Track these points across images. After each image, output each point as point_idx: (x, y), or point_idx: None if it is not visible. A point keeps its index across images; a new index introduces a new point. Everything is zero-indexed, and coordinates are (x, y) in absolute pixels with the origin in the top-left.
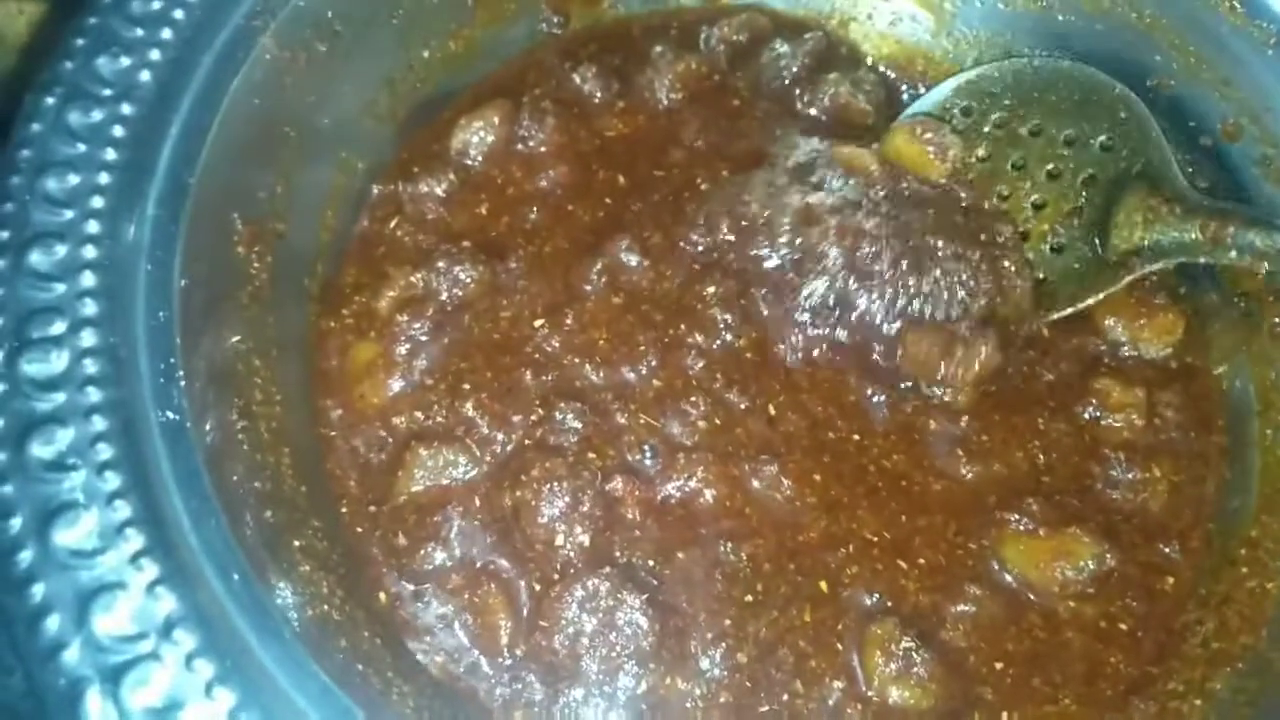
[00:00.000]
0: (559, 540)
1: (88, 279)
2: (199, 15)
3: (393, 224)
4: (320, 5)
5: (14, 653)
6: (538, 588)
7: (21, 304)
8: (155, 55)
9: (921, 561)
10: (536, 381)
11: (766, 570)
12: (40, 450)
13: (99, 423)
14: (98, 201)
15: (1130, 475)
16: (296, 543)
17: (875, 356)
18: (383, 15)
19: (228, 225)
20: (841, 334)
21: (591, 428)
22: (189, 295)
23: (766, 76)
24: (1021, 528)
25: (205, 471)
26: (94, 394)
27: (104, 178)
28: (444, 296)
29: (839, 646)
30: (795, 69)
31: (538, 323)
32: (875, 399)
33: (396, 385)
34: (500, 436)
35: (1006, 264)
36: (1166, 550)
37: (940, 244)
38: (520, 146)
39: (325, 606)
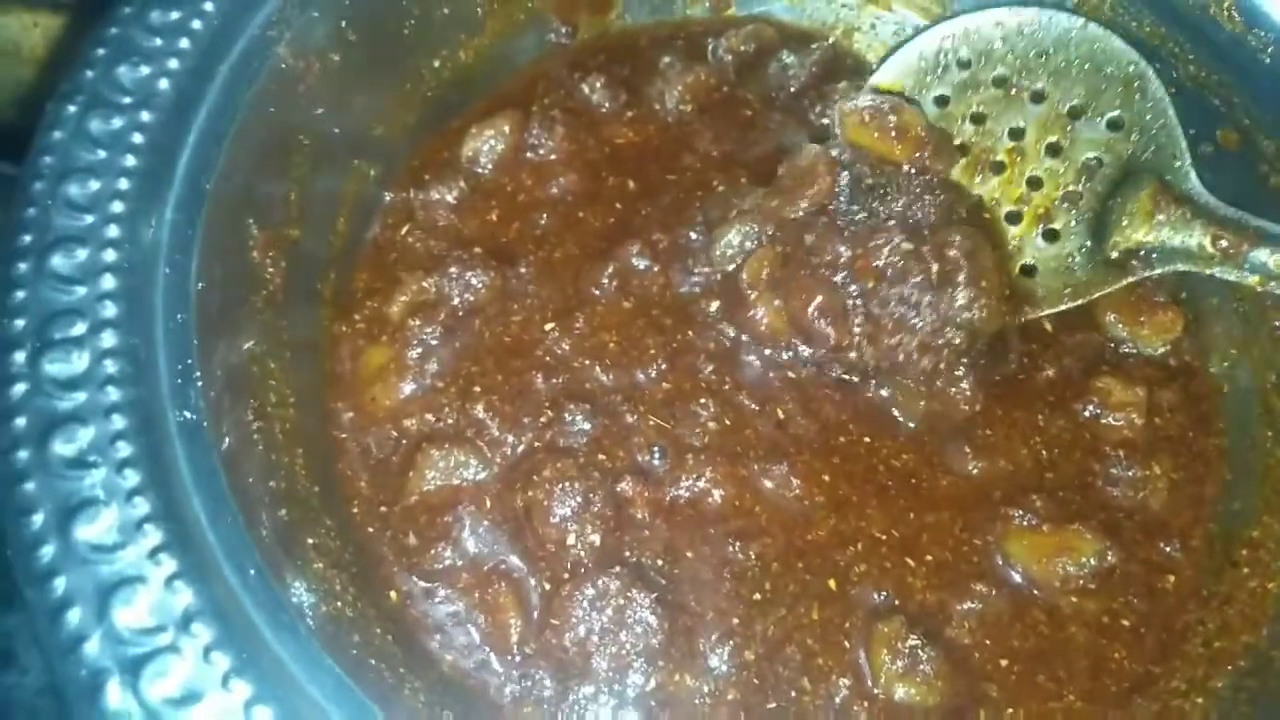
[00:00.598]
0: (570, 540)
1: (108, 282)
2: (216, 25)
3: (404, 230)
4: (334, 16)
5: (31, 651)
6: (548, 586)
7: (44, 306)
8: (174, 64)
9: (929, 558)
10: (547, 384)
11: (775, 569)
12: (62, 448)
13: (119, 421)
14: (118, 206)
15: (1130, 473)
16: (310, 541)
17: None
18: (395, 26)
19: (243, 230)
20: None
21: (601, 429)
22: (206, 298)
23: (774, 86)
24: (1025, 524)
25: (221, 469)
26: (114, 393)
27: (124, 183)
28: (455, 301)
29: (846, 644)
30: (803, 79)
31: (548, 326)
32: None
33: (408, 388)
34: (511, 438)
35: (961, 292)
36: (1168, 549)
37: (892, 292)
38: (530, 155)
39: (338, 603)
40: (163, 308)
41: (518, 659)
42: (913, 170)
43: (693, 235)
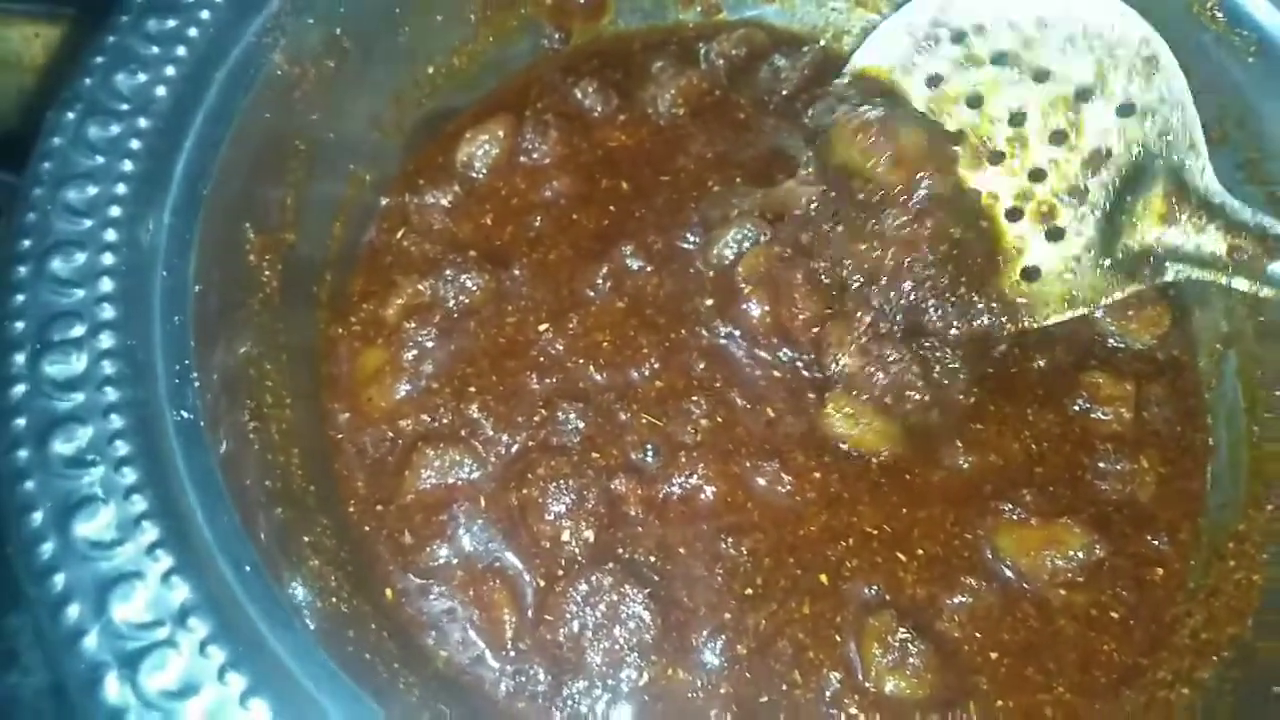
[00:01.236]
0: (564, 536)
1: (106, 285)
2: (212, 33)
3: (400, 234)
4: (329, 23)
5: (33, 651)
6: (542, 583)
7: (43, 308)
8: (171, 72)
9: (920, 553)
10: (541, 384)
11: (767, 564)
12: (61, 447)
13: (117, 421)
14: (116, 211)
15: (1119, 467)
16: (306, 539)
17: None
18: (389, 33)
19: (240, 235)
20: None
21: (594, 428)
22: (203, 301)
23: (766, 89)
24: (1015, 517)
25: (218, 468)
26: (112, 394)
27: (121, 188)
28: (450, 304)
29: (837, 638)
30: (795, 81)
31: (542, 327)
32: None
33: (403, 389)
34: (505, 438)
35: (952, 309)
36: (1155, 542)
37: (884, 300)
38: (524, 159)
39: (334, 599)
40: (160, 310)
41: (512, 654)
42: (905, 195)
43: (688, 235)
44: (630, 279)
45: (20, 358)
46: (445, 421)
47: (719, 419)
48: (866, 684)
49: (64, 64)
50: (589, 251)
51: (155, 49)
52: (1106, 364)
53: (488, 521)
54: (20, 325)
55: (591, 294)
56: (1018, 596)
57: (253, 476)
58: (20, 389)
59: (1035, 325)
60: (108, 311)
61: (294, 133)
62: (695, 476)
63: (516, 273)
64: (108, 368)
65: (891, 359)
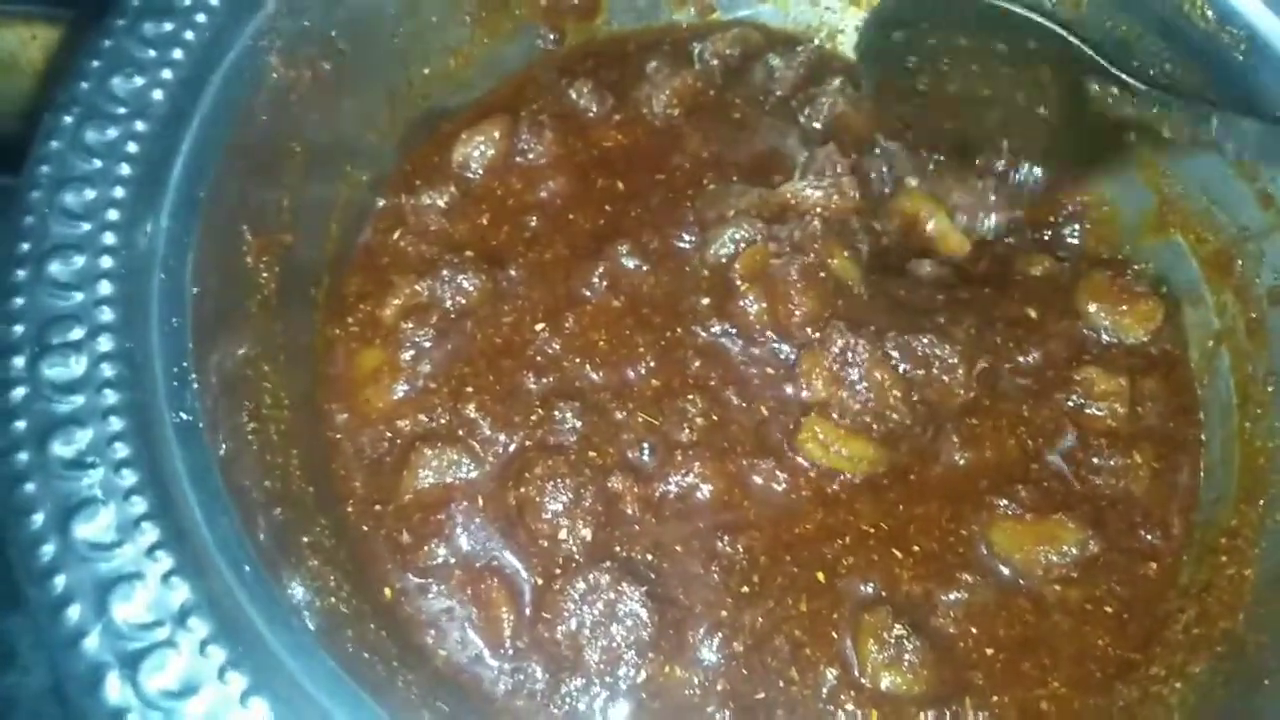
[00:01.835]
0: (561, 535)
1: (104, 288)
2: (209, 36)
3: (396, 235)
4: (325, 25)
5: (33, 651)
6: (539, 581)
7: (42, 311)
8: (167, 75)
9: (916, 549)
10: (538, 383)
11: (763, 562)
12: (61, 449)
13: (116, 423)
14: (113, 214)
15: (1113, 462)
16: (305, 539)
17: None
18: (385, 35)
19: (237, 237)
20: None
21: (591, 426)
22: (201, 303)
23: (762, 89)
24: (1010, 513)
25: (217, 469)
26: (111, 396)
27: (119, 192)
28: (447, 304)
29: (833, 635)
30: (792, 80)
31: (538, 327)
32: None
33: (401, 390)
34: (502, 437)
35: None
36: (1149, 537)
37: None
38: (519, 159)
39: (333, 599)
40: (158, 313)
41: (510, 653)
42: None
43: (684, 235)
44: (626, 278)
45: (20, 361)
46: (443, 422)
47: (714, 417)
48: (863, 680)
49: (61, 67)
50: (585, 251)
51: (152, 52)
52: (1100, 359)
53: (485, 521)
54: (19, 328)
55: (588, 293)
56: (1013, 592)
57: (252, 477)
58: (20, 392)
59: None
60: (106, 314)
61: (290, 135)
62: (691, 475)
63: (513, 273)
64: (107, 370)
65: (861, 385)
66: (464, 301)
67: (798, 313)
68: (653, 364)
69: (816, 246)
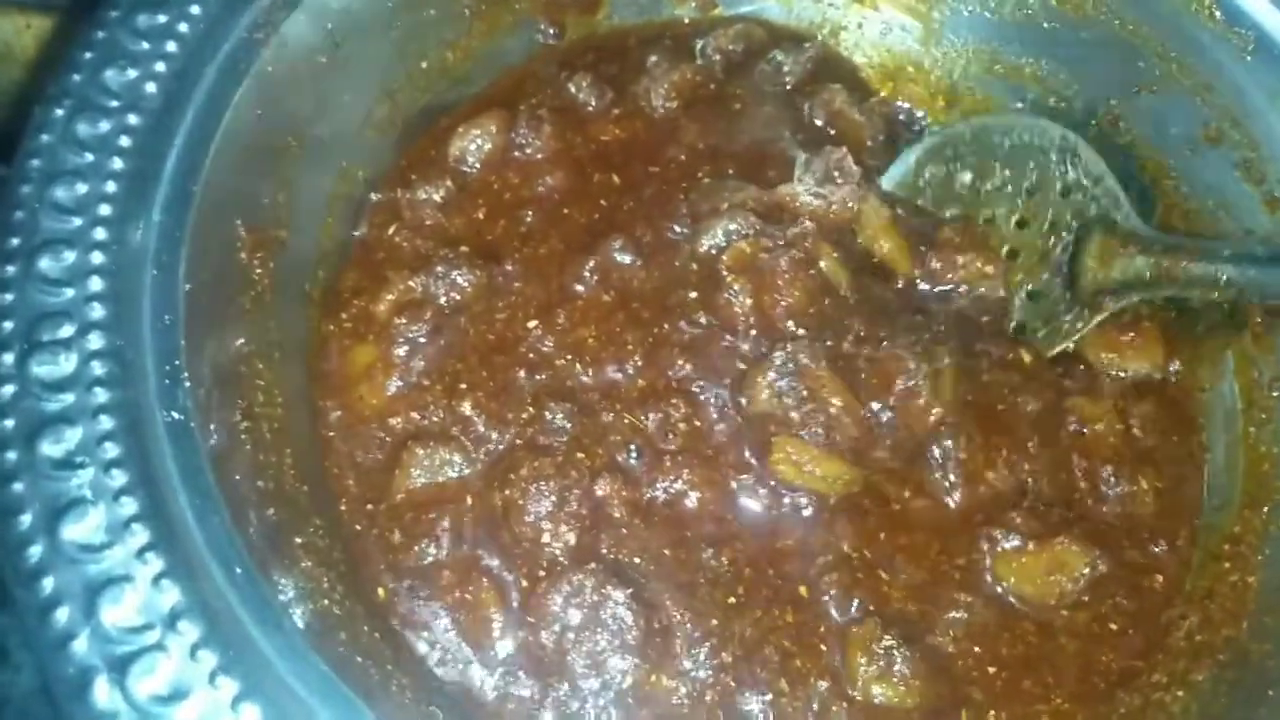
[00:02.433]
0: (545, 538)
1: (95, 284)
2: (203, 29)
3: (391, 230)
4: (320, 18)
5: (24, 650)
6: (525, 584)
7: (31, 308)
8: (160, 68)
9: (903, 577)
10: (530, 381)
11: (747, 574)
12: (49, 449)
13: (106, 422)
14: (105, 209)
15: (1119, 489)
16: (298, 540)
17: None
18: (382, 28)
19: (231, 232)
20: None
21: (581, 427)
22: (193, 300)
23: (765, 84)
24: (1009, 545)
25: (209, 469)
26: (101, 395)
27: (111, 186)
28: (441, 300)
29: (823, 647)
30: (799, 75)
31: (531, 324)
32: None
33: (394, 386)
34: (495, 435)
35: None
36: (1154, 549)
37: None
38: (517, 154)
39: (325, 601)
40: (150, 310)
41: (498, 656)
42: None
43: (675, 226)
44: (617, 272)
45: (8, 358)
46: (436, 419)
47: (696, 423)
48: (853, 692)
49: (53, 58)
50: (579, 245)
51: (145, 45)
52: (1088, 390)
53: (474, 521)
54: (9, 325)
55: (580, 288)
56: (1016, 616)
57: (244, 477)
58: (8, 390)
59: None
60: (97, 311)
61: (285, 129)
62: (680, 481)
63: (508, 268)
64: (97, 368)
65: (803, 394)
66: (458, 297)
67: (782, 304)
68: (640, 363)
69: (808, 245)
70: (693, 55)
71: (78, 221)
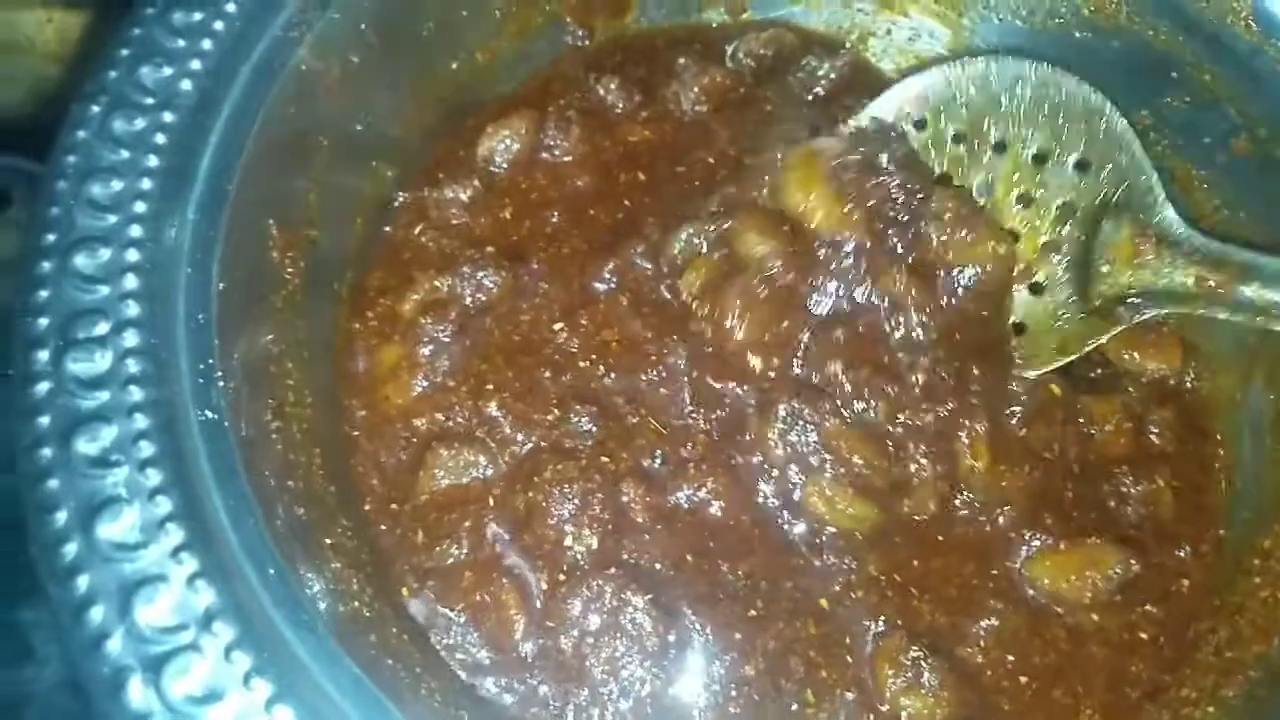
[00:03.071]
0: (567, 541)
1: (130, 281)
2: (238, 27)
3: (418, 229)
4: (354, 18)
5: (49, 645)
6: (546, 587)
7: (67, 305)
8: (196, 65)
9: (932, 594)
10: (555, 382)
11: (764, 588)
12: (85, 447)
13: (141, 421)
14: (140, 207)
15: (1138, 489)
16: (327, 540)
17: None
18: (414, 28)
19: (264, 231)
20: None
21: (605, 430)
22: (226, 298)
23: (798, 90)
24: (1042, 544)
25: (242, 470)
26: (136, 393)
27: (146, 184)
28: (467, 300)
29: (849, 659)
30: (834, 79)
31: (557, 325)
32: None
33: (419, 386)
34: (520, 437)
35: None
36: (1180, 553)
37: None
38: (545, 154)
39: (355, 603)
40: (184, 308)
41: (521, 659)
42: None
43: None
44: (633, 274)
45: (44, 355)
46: (460, 420)
47: (715, 435)
48: (881, 706)
49: (88, 54)
50: (602, 246)
51: (181, 42)
52: (1096, 387)
53: (498, 523)
54: (44, 322)
55: (600, 289)
56: (1048, 621)
57: (275, 476)
58: (44, 387)
59: (1031, 377)
60: (132, 309)
61: (318, 128)
62: (704, 490)
63: (534, 267)
64: (132, 366)
65: (811, 443)
66: (484, 298)
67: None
68: (661, 369)
69: None
70: (722, 59)
71: (113, 218)
